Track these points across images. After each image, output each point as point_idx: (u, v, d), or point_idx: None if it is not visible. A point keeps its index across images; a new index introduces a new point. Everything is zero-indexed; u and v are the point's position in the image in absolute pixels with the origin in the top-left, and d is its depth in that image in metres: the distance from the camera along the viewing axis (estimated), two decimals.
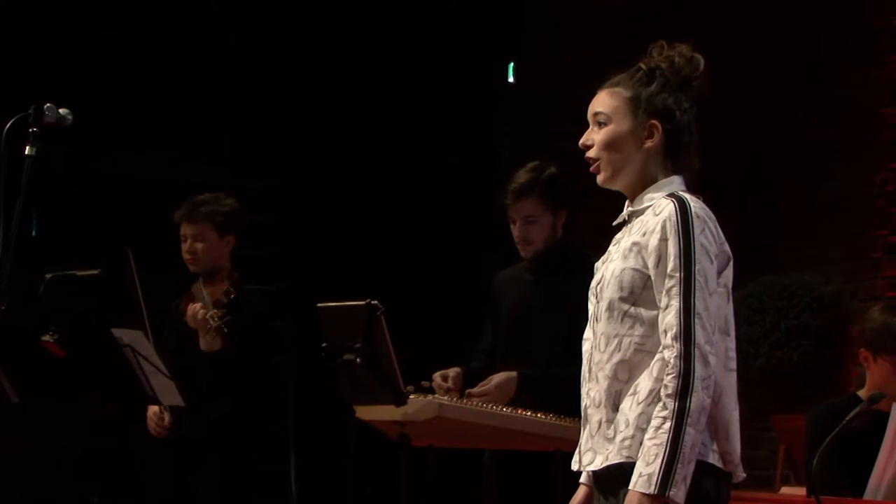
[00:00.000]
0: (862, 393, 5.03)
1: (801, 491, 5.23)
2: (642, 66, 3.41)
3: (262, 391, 5.83)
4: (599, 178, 3.42)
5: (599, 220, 4.41)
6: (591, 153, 3.41)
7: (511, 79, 9.24)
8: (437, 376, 5.10)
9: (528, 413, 4.81)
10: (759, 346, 7.05)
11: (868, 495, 4.77)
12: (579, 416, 4.59)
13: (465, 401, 4.87)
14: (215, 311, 5.52)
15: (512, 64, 9.25)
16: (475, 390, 5.01)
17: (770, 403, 6.96)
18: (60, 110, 4.15)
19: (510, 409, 4.83)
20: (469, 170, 8.76)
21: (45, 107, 4.11)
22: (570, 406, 4.67)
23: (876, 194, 7.43)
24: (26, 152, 4.09)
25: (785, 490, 5.90)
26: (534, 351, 5.16)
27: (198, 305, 5.54)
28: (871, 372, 5.05)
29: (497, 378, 5.03)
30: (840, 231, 7.55)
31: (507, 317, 5.30)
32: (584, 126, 3.47)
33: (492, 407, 4.82)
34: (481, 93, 9.07)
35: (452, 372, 5.11)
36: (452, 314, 7.72)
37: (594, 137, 3.40)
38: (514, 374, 5.03)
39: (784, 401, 6.98)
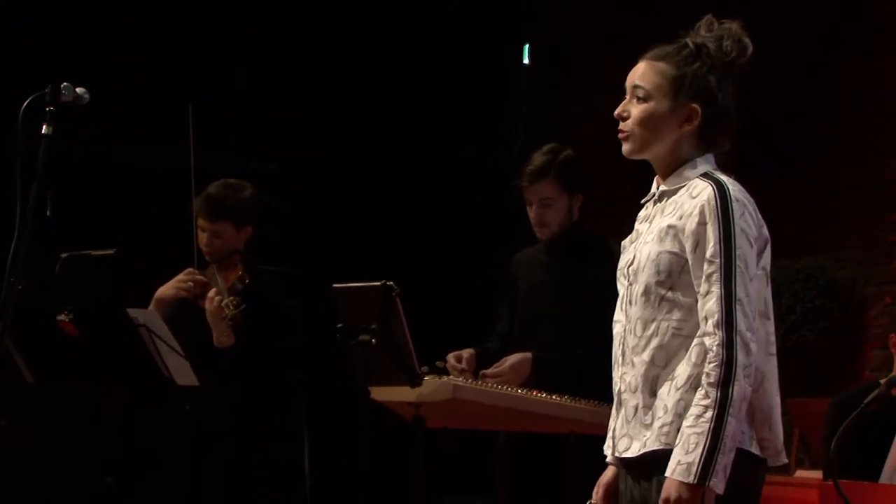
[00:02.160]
0: (885, 380, 5.01)
1: (815, 474, 5.23)
2: (689, 42, 3.32)
3: (274, 375, 5.81)
4: (625, 149, 3.33)
5: (615, 210, 4.41)
6: (624, 126, 3.33)
7: (526, 60, 9.23)
8: (450, 357, 5.09)
9: (543, 395, 4.80)
10: (775, 329, 7.04)
11: (884, 479, 4.76)
12: (594, 399, 4.63)
13: (479, 382, 4.87)
14: (230, 298, 5.49)
15: (527, 46, 9.24)
16: (489, 371, 5.00)
17: (785, 387, 6.95)
18: (77, 89, 4.13)
19: (525, 391, 4.82)
20: (482, 153, 8.75)
21: (62, 86, 4.09)
22: (585, 388, 4.68)
23: (890, 179, 7.42)
24: (43, 131, 4.08)
25: (800, 473, 5.90)
26: (548, 333, 5.15)
27: (213, 292, 5.53)
28: None
29: (511, 359, 5.02)
30: (854, 215, 7.54)
31: (522, 299, 5.29)
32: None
33: (507, 388, 4.81)
34: (494, 76, 9.07)
35: (466, 353, 5.10)
36: (467, 296, 7.72)
37: (631, 110, 3.32)
38: (528, 355, 5.02)
39: (799, 384, 6.97)
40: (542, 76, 9.21)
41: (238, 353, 5.46)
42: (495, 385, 4.85)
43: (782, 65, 7.63)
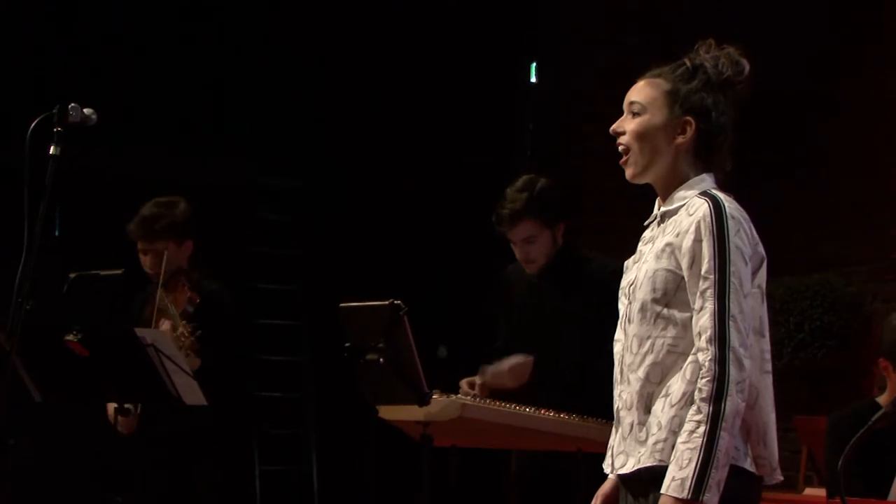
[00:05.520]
0: (881, 399, 4.99)
1: (823, 492, 5.21)
2: (686, 61, 3.38)
3: (242, 389, 5.78)
4: (628, 173, 3.38)
5: (621, 225, 4.40)
6: (622, 140, 3.37)
7: (533, 78, 9.25)
8: (463, 384, 5.11)
9: (551, 413, 4.81)
10: (783, 347, 7.04)
11: (893, 497, 4.75)
12: (602, 417, 4.62)
13: (487, 401, 4.87)
14: (184, 326, 5.46)
15: (534, 64, 9.26)
16: (490, 369, 5.01)
17: (793, 404, 6.95)
18: (85, 110, 4.14)
19: (533, 410, 4.82)
20: (489, 169, 8.76)
21: (70, 106, 4.11)
22: (592, 403, 4.66)
23: None
24: (50, 152, 4.09)
25: (808, 491, 5.90)
26: (542, 356, 5.15)
27: (167, 325, 5.51)
28: (891, 381, 4.99)
29: (511, 360, 5.02)
30: (861, 232, 7.53)
31: (514, 321, 5.28)
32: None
33: (514, 407, 4.81)
34: (501, 92, 9.08)
35: (479, 380, 5.11)
36: (473, 313, 7.72)
37: (626, 126, 3.37)
38: (530, 358, 5.02)
39: (807, 402, 6.97)
40: (550, 91, 9.22)
41: (205, 373, 5.43)
42: (503, 403, 4.84)
43: (788, 80, 7.63)
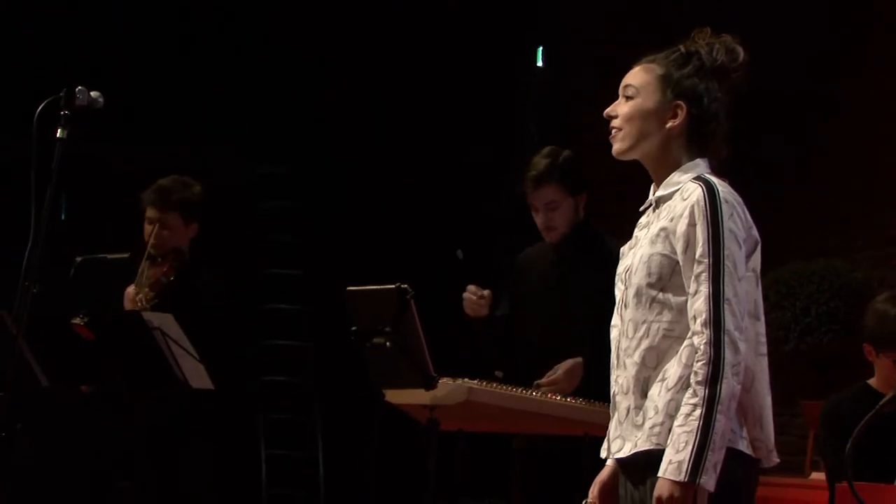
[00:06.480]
0: (873, 382, 4.99)
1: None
2: (681, 48, 3.40)
3: (229, 377, 5.74)
4: (614, 148, 3.40)
5: (625, 212, 4.40)
6: (614, 123, 3.40)
7: (540, 63, 9.25)
8: (472, 287, 5.11)
9: (558, 397, 4.81)
10: (790, 331, 7.04)
11: None
12: (607, 401, 4.61)
13: (494, 385, 4.86)
14: (146, 292, 5.45)
15: (540, 49, 9.25)
16: (543, 381, 4.99)
17: (799, 389, 6.95)
18: (92, 93, 4.15)
19: (539, 394, 4.82)
20: (494, 155, 8.78)
21: (77, 89, 4.11)
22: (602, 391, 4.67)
23: None
24: (57, 135, 4.09)
25: (815, 476, 5.89)
26: (557, 333, 5.13)
27: (131, 287, 5.52)
28: (878, 365, 4.99)
29: (564, 365, 5.00)
30: (867, 217, 7.53)
31: (530, 297, 5.27)
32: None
33: (521, 391, 4.81)
34: (507, 80, 9.08)
35: (486, 291, 5.13)
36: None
37: (619, 110, 3.40)
38: (579, 360, 5.00)
39: (814, 386, 6.97)
40: (554, 78, 9.21)
41: None
42: (510, 387, 4.83)
43: (788, 80, 7.63)
